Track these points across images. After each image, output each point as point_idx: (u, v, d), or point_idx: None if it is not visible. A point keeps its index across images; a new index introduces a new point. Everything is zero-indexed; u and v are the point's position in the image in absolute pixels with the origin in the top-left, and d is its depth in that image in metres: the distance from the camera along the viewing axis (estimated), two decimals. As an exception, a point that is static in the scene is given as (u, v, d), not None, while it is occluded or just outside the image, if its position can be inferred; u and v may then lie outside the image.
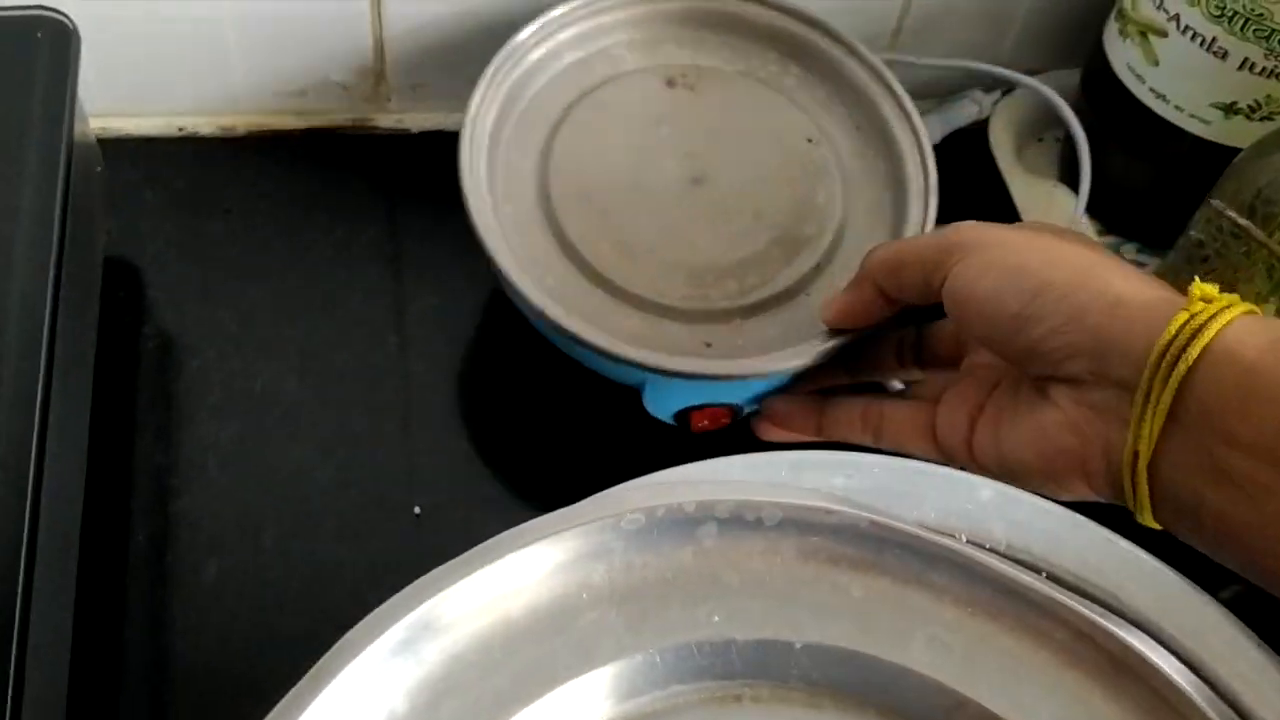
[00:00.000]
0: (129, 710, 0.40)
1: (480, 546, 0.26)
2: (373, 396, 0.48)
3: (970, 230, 0.38)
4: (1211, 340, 0.30)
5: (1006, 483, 0.31)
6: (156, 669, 0.40)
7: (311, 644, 0.41)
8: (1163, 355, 0.30)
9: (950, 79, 0.62)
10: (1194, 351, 0.30)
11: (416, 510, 0.45)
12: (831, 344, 0.42)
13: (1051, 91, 0.56)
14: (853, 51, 0.51)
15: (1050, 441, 0.34)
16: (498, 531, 0.44)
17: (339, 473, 0.45)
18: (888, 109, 0.50)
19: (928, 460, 0.31)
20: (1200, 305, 0.31)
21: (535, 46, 0.48)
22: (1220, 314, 0.31)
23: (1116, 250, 0.58)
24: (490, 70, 0.46)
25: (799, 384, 0.44)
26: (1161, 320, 0.31)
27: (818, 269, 0.47)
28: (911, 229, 0.47)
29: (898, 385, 0.47)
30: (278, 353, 0.48)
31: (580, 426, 0.48)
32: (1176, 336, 0.30)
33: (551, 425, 0.48)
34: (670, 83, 0.50)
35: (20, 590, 0.34)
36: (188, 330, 0.49)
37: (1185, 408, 0.30)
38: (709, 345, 0.44)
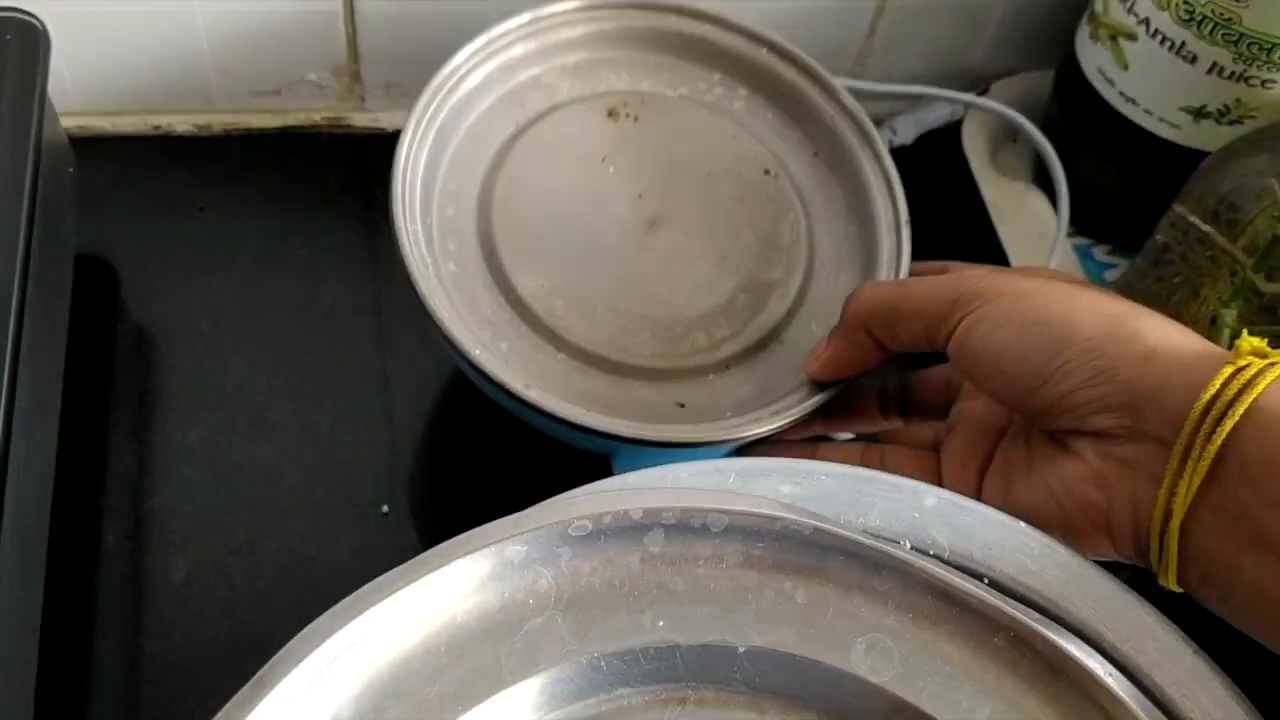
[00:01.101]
0: (98, 711, 0.40)
1: (428, 552, 0.27)
2: (345, 396, 0.48)
3: (980, 280, 0.36)
4: (1258, 397, 0.28)
5: None
6: (126, 669, 0.41)
7: (279, 643, 0.42)
8: (1206, 411, 0.29)
9: (925, 78, 0.62)
10: (1240, 408, 0.28)
11: (385, 510, 0.45)
12: (816, 399, 0.41)
13: (1012, 111, 0.55)
14: (805, 70, 0.48)
15: (1072, 496, 0.33)
16: (463, 530, 0.45)
17: (309, 472, 0.46)
18: (847, 132, 0.47)
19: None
20: (1248, 359, 0.29)
21: (462, 81, 0.45)
22: (1269, 369, 0.29)
23: (1088, 251, 0.58)
24: (416, 111, 0.43)
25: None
26: (1202, 374, 0.29)
27: (789, 315, 0.44)
28: (884, 266, 0.45)
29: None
30: (250, 352, 0.49)
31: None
32: (1222, 391, 0.29)
33: (523, 427, 0.48)
34: (612, 113, 0.46)
35: (-13, 589, 0.34)
36: (160, 329, 0.49)
37: (1225, 468, 0.29)
38: (682, 406, 0.41)
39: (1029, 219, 0.57)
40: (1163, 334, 0.31)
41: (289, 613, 0.42)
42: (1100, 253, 0.58)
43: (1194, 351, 0.31)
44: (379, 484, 0.46)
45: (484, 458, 0.47)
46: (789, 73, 0.48)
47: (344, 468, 0.46)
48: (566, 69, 0.47)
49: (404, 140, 0.42)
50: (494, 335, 0.41)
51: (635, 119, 0.46)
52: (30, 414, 0.39)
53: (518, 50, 0.46)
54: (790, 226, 0.46)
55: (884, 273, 0.45)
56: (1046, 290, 0.34)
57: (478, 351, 0.38)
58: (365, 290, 0.51)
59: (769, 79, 0.48)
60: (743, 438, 0.39)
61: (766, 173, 0.47)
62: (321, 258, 0.52)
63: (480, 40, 0.45)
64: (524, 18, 0.46)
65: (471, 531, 0.27)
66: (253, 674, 0.41)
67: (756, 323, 0.44)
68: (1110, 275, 0.57)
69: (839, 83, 0.48)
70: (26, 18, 0.44)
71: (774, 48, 0.48)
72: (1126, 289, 0.51)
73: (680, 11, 0.48)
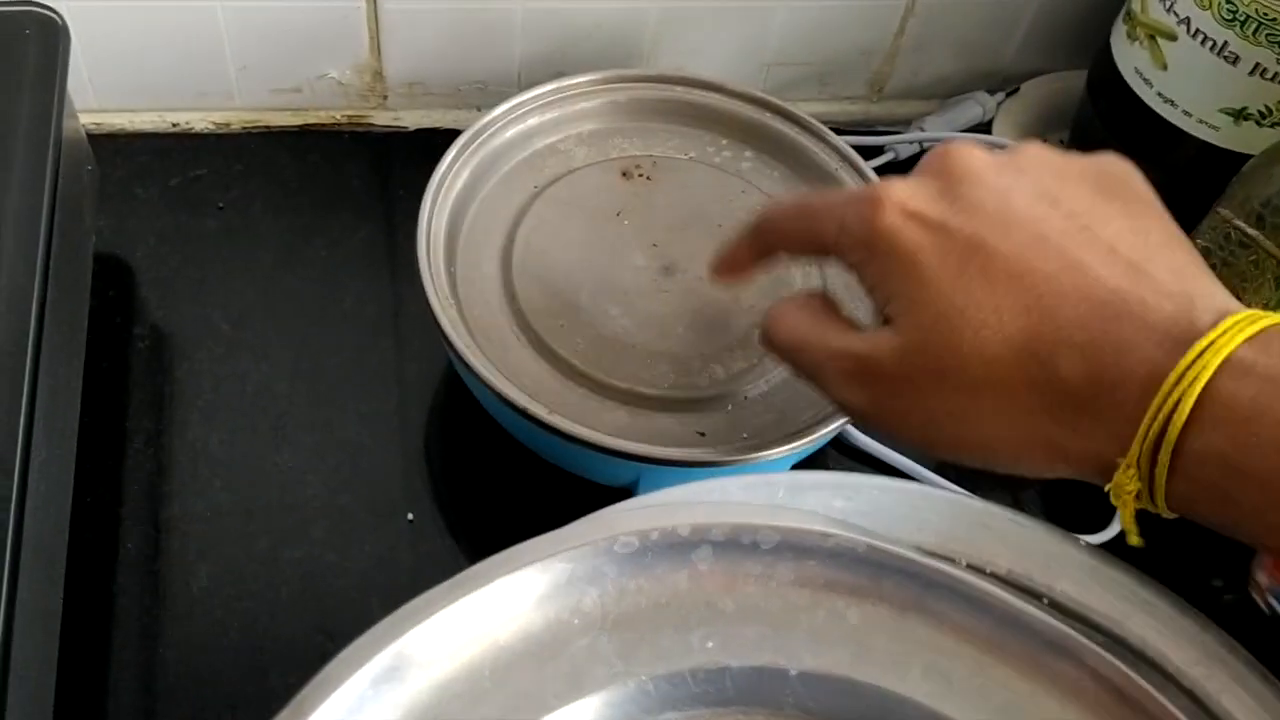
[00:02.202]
0: (117, 720, 0.39)
1: (470, 570, 0.26)
2: (366, 400, 0.47)
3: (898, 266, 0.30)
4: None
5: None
6: (145, 679, 0.40)
7: (302, 654, 0.41)
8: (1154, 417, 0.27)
9: (954, 78, 0.61)
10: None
11: (410, 517, 0.44)
12: (835, 425, 0.41)
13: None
14: (807, 129, 0.49)
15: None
16: (490, 538, 0.44)
17: (331, 478, 0.45)
18: (850, 183, 0.48)
19: None
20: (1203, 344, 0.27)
21: (478, 149, 0.47)
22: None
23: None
24: (437, 175, 0.45)
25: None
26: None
27: None
28: None
29: None
30: (270, 354, 0.48)
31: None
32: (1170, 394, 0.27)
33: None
34: (625, 174, 0.48)
35: (5, 598, 0.33)
36: (179, 331, 0.48)
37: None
38: (702, 434, 0.42)
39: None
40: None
41: (311, 622, 0.41)
42: (1134, 257, 0.57)
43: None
44: (403, 490, 0.45)
45: (510, 465, 0.46)
46: (792, 131, 0.50)
47: (366, 473, 0.45)
48: (582, 137, 0.50)
49: (427, 199, 0.44)
50: (515, 372, 0.42)
51: (648, 178, 0.49)
52: (51, 417, 0.38)
53: (535, 120, 0.49)
54: (801, 270, 0.47)
55: None
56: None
57: (501, 383, 0.40)
58: (387, 291, 0.50)
59: (773, 139, 0.50)
60: (767, 458, 0.40)
61: None
62: (342, 258, 0.51)
63: (501, 109, 0.47)
64: (542, 89, 0.48)
65: (514, 548, 0.26)
66: (273, 685, 0.41)
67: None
68: (1144, 280, 0.56)
69: (842, 140, 0.49)
70: (47, 12, 0.43)
71: (777, 110, 0.50)
72: (1164, 294, 0.50)
73: (687, 83, 0.50)
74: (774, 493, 0.29)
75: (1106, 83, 0.54)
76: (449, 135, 0.56)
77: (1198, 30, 0.48)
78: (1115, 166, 0.32)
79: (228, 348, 0.48)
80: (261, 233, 0.52)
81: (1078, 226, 0.29)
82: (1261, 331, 0.27)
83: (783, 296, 0.39)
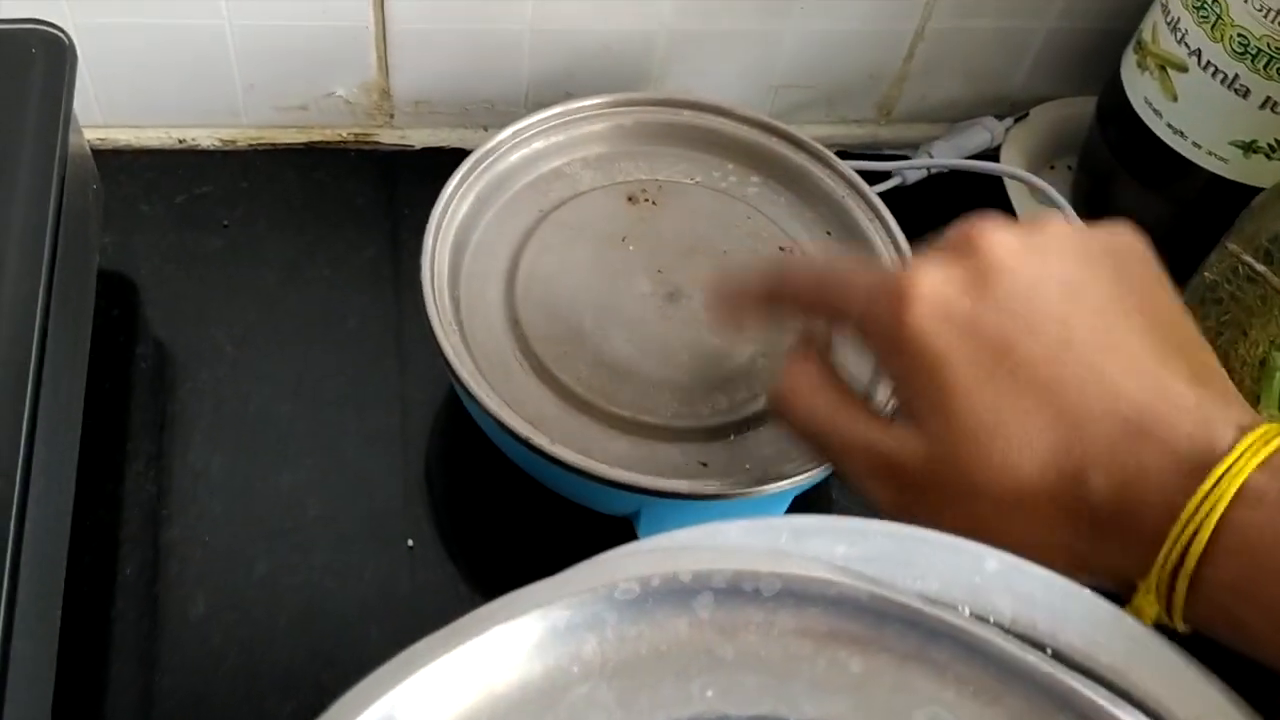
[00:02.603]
0: (113, 747, 0.39)
1: (465, 618, 0.25)
2: (368, 423, 0.47)
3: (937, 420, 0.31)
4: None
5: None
6: (143, 706, 0.39)
7: (299, 682, 0.41)
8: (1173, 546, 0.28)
9: (962, 103, 0.61)
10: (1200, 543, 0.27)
11: (410, 543, 0.44)
12: None
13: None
14: (814, 154, 0.49)
15: None
16: (490, 566, 0.44)
17: (332, 502, 0.45)
18: (857, 210, 0.48)
19: None
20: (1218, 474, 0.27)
21: (488, 169, 0.47)
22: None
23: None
24: (440, 202, 0.44)
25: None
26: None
27: None
28: None
29: None
30: (272, 375, 0.48)
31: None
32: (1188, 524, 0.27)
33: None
34: (631, 199, 0.48)
35: (3, 621, 0.33)
36: (181, 349, 0.48)
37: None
38: (705, 465, 0.42)
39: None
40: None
41: (309, 650, 0.41)
42: (1141, 286, 0.57)
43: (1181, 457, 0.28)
44: (404, 515, 0.45)
45: (511, 491, 0.46)
46: (798, 157, 0.49)
47: (368, 497, 0.45)
48: (588, 160, 0.49)
49: (431, 223, 0.44)
50: (517, 399, 0.42)
51: (653, 203, 0.48)
52: (52, 437, 0.38)
53: (540, 143, 0.48)
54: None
55: None
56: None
57: (504, 412, 0.39)
58: (392, 311, 0.50)
59: (780, 164, 0.50)
60: (771, 491, 0.40)
61: (781, 249, 0.48)
62: (347, 277, 0.51)
63: (506, 132, 0.47)
64: (548, 112, 0.48)
65: (511, 595, 0.26)
66: (271, 713, 0.41)
67: None
68: (1151, 309, 0.56)
69: (848, 165, 0.49)
70: (53, 30, 0.43)
71: (783, 136, 0.49)
72: (1172, 327, 0.50)
73: (694, 107, 0.50)
74: (776, 538, 0.28)
75: (1116, 111, 0.54)
76: (455, 154, 0.56)
77: (1209, 62, 0.48)
78: (1131, 246, 0.32)
79: (230, 367, 0.48)
80: (266, 251, 0.52)
81: (1104, 327, 0.30)
82: (1276, 453, 0.27)
83: (788, 350, 0.38)
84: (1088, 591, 0.29)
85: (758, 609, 0.27)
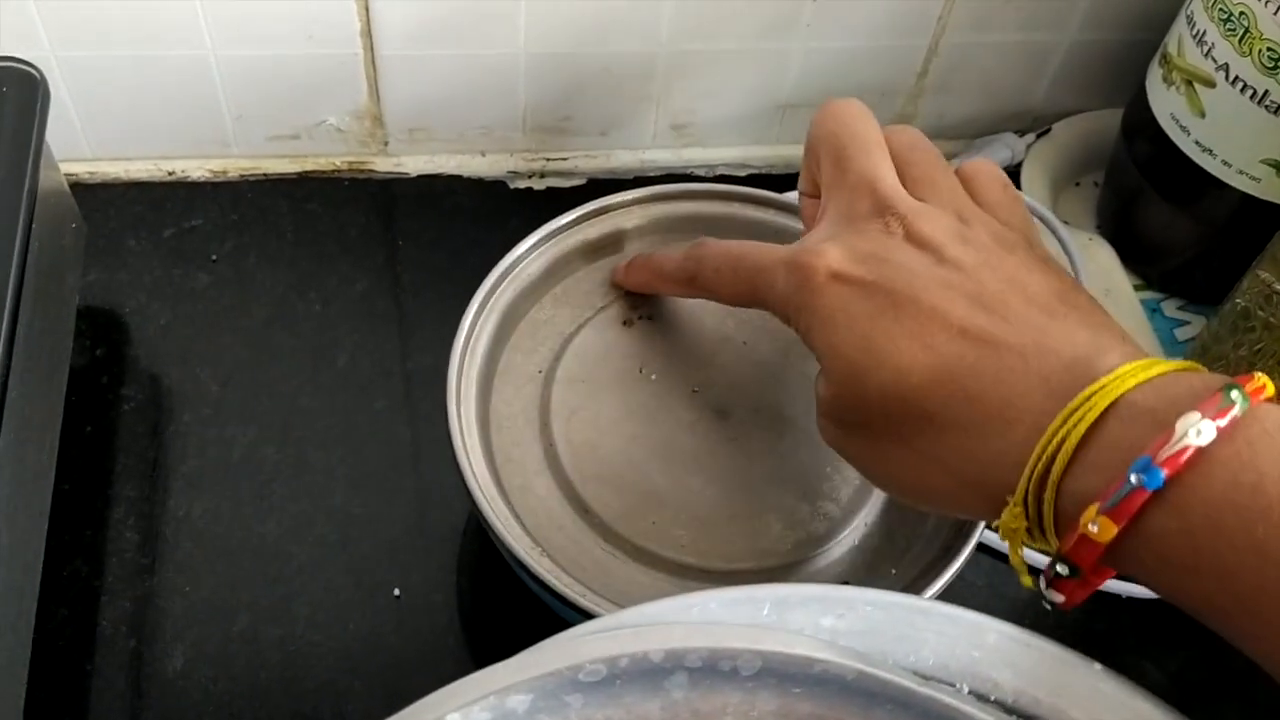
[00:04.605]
0: (86, 810, 0.37)
1: (415, 705, 0.24)
2: (359, 466, 0.45)
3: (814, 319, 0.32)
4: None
5: None
6: (115, 767, 0.38)
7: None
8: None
9: (981, 119, 0.59)
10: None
11: (396, 593, 0.42)
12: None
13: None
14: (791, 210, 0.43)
15: None
16: (479, 617, 0.42)
17: (317, 551, 0.43)
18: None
19: None
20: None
21: (499, 298, 0.41)
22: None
23: (1157, 307, 0.54)
24: (458, 348, 0.39)
25: None
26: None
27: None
28: None
29: None
30: (258, 417, 0.46)
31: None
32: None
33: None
34: (626, 323, 0.42)
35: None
36: (167, 389, 0.47)
37: None
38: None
39: (1094, 273, 0.53)
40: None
41: (290, 708, 0.40)
42: (1170, 308, 0.54)
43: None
44: (391, 564, 0.43)
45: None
46: (780, 218, 0.44)
47: (355, 546, 0.43)
48: (557, 297, 0.43)
49: (450, 372, 0.39)
50: (557, 536, 0.38)
51: (650, 319, 0.42)
52: (17, 488, 0.37)
53: (510, 294, 0.41)
54: None
55: None
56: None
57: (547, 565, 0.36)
58: (386, 349, 0.49)
59: (771, 232, 0.44)
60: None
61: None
62: (337, 313, 0.50)
63: (510, 258, 0.41)
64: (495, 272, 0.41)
65: (467, 679, 0.24)
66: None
67: (815, 524, 0.39)
68: (1181, 333, 0.53)
69: None
70: (24, 68, 0.41)
71: (757, 201, 0.44)
72: (1203, 354, 0.47)
73: (648, 199, 0.43)
74: (758, 610, 0.26)
75: (1142, 127, 0.51)
76: (452, 181, 0.55)
77: (1237, 78, 0.45)
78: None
79: (215, 409, 0.46)
80: (256, 286, 0.50)
81: (1002, 279, 0.31)
82: (1158, 376, 0.27)
83: None
84: (1098, 666, 0.27)
85: (735, 689, 0.25)
